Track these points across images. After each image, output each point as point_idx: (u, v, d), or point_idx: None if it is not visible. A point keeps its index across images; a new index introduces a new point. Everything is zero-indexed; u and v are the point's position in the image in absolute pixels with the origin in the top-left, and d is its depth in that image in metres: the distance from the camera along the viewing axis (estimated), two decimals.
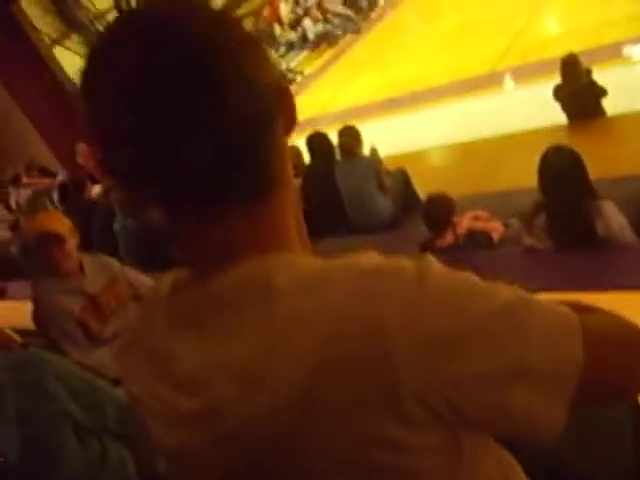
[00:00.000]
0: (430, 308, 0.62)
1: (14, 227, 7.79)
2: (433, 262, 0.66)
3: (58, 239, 2.83)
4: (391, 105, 9.81)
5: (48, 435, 1.32)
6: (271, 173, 0.71)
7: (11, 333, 3.06)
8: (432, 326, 0.61)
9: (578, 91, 5.91)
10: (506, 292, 0.65)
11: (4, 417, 1.28)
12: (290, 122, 0.73)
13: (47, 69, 9.22)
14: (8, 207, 9.59)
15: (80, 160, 9.23)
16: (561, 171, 3.30)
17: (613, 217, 3.23)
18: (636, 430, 1.22)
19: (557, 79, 6.03)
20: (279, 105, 0.71)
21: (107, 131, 0.66)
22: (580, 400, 0.64)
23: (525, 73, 8.55)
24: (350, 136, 5.44)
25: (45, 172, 9.78)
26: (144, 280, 3.21)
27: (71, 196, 7.28)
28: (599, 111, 5.94)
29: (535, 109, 6.57)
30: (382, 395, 0.61)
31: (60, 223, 2.90)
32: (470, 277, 0.66)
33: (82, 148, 9.27)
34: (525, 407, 0.63)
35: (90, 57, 0.66)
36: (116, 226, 6.05)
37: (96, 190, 7.87)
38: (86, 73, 0.66)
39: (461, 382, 0.61)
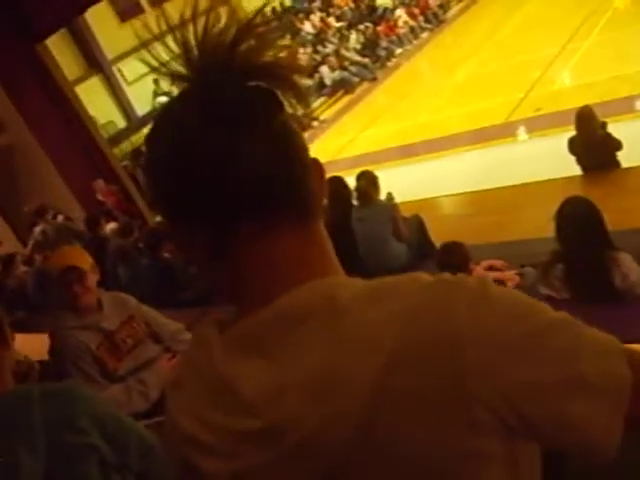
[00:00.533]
0: (496, 314, 0.66)
1: (28, 262, 7.82)
2: (490, 279, 0.70)
3: (80, 274, 2.85)
4: (406, 152, 9.91)
5: (73, 466, 1.33)
6: (314, 202, 0.76)
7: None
8: (498, 331, 0.65)
9: (593, 143, 5.94)
10: (555, 311, 0.69)
11: (31, 447, 1.28)
12: (322, 189, 0.79)
13: (68, 107, 9.35)
14: (23, 242, 9.65)
15: (99, 197, 9.35)
16: (579, 222, 3.31)
17: (631, 269, 3.23)
18: None
19: (572, 131, 6.08)
20: (312, 166, 0.77)
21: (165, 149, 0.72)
22: (636, 421, 0.66)
23: (540, 124, 8.64)
24: (367, 180, 5.45)
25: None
26: (160, 318, 3.21)
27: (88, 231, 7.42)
28: (614, 163, 5.97)
29: (549, 160, 6.62)
30: (450, 398, 0.63)
31: (82, 258, 2.93)
32: (524, 294, 0.70)
33: (100, 185, 9.39)
34: (583, 417, 0.65)
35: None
36: (129, 264, 6.09)
37: (110, 227, 7.95)
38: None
39: (523, 388, 0.64)
